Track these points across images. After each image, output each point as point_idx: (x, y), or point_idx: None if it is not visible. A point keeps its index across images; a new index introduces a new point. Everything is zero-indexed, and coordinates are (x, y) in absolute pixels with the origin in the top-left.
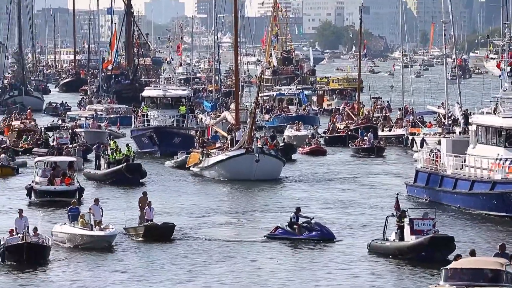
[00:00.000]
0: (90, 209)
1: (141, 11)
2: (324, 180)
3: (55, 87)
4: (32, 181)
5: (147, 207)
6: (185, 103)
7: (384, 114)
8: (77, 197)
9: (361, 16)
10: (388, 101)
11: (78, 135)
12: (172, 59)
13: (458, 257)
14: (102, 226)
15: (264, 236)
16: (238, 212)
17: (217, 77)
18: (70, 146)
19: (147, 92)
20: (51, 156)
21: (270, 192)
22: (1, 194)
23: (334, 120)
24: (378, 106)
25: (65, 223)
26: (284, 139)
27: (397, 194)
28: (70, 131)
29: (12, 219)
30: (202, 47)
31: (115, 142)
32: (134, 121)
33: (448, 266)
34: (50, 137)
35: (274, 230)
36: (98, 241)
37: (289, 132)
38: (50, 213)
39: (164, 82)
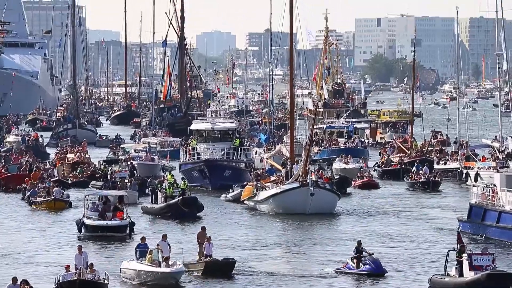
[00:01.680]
0: (158, 245)
1: (193, 44)
2: (379, 213)
3: (106, 120)
4: (83, 215)
5: (206, 242)
6: (232, 135)
7: (440, 148)
8: (128, 232)
9: (414, 48)
10: (447, 135)
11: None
12: (219, 92)
13: None
14: (169, 263)
15: (334, 270)
16: (295, 246)
17: (268, 110)
18: (126, 180)
19: (195, 126)
20: (103, 189)
21: (325, 225)
22: (53, 229)
23: (384, 153)
24: (437, 140)
25: (133, 259)
26: (332, 171)
27: (459, 228)
28: (129, 164)
29: (64, 254)
30: (253, 79)
31: (172, 175)
32: (183, 154)
33: None
34: (109, 171)
35: (344, 265)
36: (165, 278)
37: (337, 165)
38: (102, 248)
39: (212, 115)
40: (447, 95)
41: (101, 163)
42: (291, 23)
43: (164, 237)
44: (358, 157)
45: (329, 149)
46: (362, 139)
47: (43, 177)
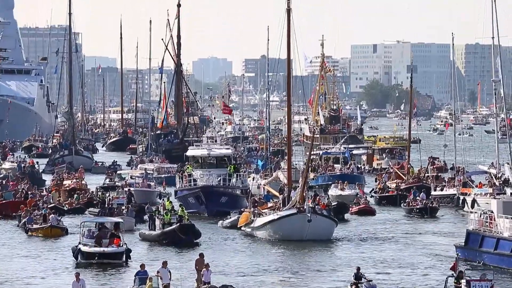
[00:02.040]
0: (158, 272)
1: (189, 70)
2: (377, 240)
3: (102, 146)
4: (79, 242)
5: (204, 269)
6: (228, 162)
7: (436, 174)
8: (124, 259)
9: (411, 74)
10: (444, 161)
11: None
12: (214, 118)
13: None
14: None
15: None
16: (292, 273)
17: (265, 136)
18: (123, 207)
19: (191, 152)
20: (99, 216)
21: (323, 252)
22: (49, 255)
23: (380, 179)
24: (434, 166)
25: (133, 287)
26: (328, 198)
27: (457, 254)
28: (126, 191)
29: (61, 281)
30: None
31: (170, 202)
32: (179, 181)
33: None
34: (107, 197)
35: None
36: None
37: (333, 191)
38: (99, 275)
39: (208, 141)
40: (441, 121)
41: (98, 189)
42: (289, 48)
43: (165, 264)
44: (354, 183)
45: (325, 175)
46: (359, 165)
47: (37, 204)
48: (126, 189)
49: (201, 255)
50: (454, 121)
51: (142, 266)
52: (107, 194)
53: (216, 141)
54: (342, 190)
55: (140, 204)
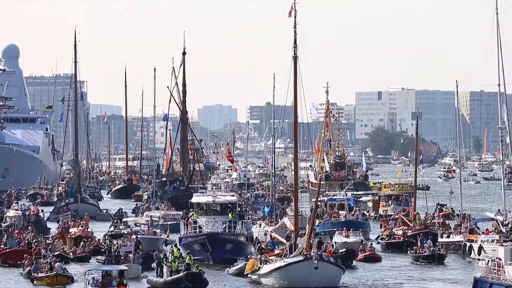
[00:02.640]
0: None
1: (194, 117)
2: (384, 287)
3: (107, 194)
4: None
5: None
6: (233, 208)
7: (443, 221)
8: None
9: (417, 121)
10: (452, 208)
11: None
12: (219, 165)
13: None
14: None
15: None
16: None
17: (271, 183)
18: (130, 254)
19: (196, 199)
20: (105, 264)
21: None
22: None
23: (385, 226)
24: (442, 213)
25: None
26: (333, 244)
27: None
28: (134, 239)
29: None
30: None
31: (178, 249)
32: (184, 228)
33: None
34: (114, 245)
35: None
36: None
37: (337, 238)
38: None
39: (212, 188)
40: (444, 168)
41: (106, 237)
42: (295, 95)
43: None
44: (358, 229)
45: (329, 222)
46: (364, 212)
47: (40, 252)
48: (133, 236)
49: None
50: (460, 168)
51: None
52: (115, 242)
53: (220, 188)
54: (347, 237)
55: (147, 252)
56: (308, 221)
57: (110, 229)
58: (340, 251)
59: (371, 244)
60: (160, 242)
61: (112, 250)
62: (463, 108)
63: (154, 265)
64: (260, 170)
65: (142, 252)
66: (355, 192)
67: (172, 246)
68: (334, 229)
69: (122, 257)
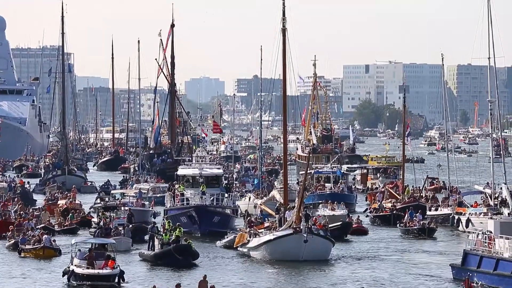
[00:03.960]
0: None
1: (182, 90)
2: (375, 260)
3: (93, 166)
4: (71, 263)
5: None
6: (219, 181)
7: (433, 194)
8: (117, 281)
9: (404, 94)
10: (443, 181)
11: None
12: (204, 137)
13: None
14: None
15: None
16: None
17: (258, 156)
18: (120, 227)
19: (182, 171)
20: (95, 237)
21: (320, 272)
22: (42, 277)
23: (372, 199)
24: (434, 186)
25: None
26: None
27: (469, 273)
28: (127, 211)
29: None
30: (241, 125)
31: (169, 222)
32: (170, 200)
33: None
34: (107, 217)
35: None
36: None
37: (322, 211)
38: None
39: (199, 160)
40: (425, 141)
41: (99, 209)
42: (284, 68)
43: (178, 286)
44: (343, 202)
45: (314, 194)
46: (350, 184)
47: (21, 224)
48: (126, 208)
49: (205, 276)
50: (446, 142)
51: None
52: (108, 214)
53: (206, 160)
54: (333, 210)
55: (140, 224)
56: (297, 194)
57: (96, 201)
58: (335, 224)
59: (358, 216)
60: (148, 214)
61: (102, 223)
62: (450, 82)
63: (146, 237)
64: (246, 143)
65: (133, 225)
66: (349, 166)
67: (163, 219)
68: (319, 202)
69: (112, 230)
